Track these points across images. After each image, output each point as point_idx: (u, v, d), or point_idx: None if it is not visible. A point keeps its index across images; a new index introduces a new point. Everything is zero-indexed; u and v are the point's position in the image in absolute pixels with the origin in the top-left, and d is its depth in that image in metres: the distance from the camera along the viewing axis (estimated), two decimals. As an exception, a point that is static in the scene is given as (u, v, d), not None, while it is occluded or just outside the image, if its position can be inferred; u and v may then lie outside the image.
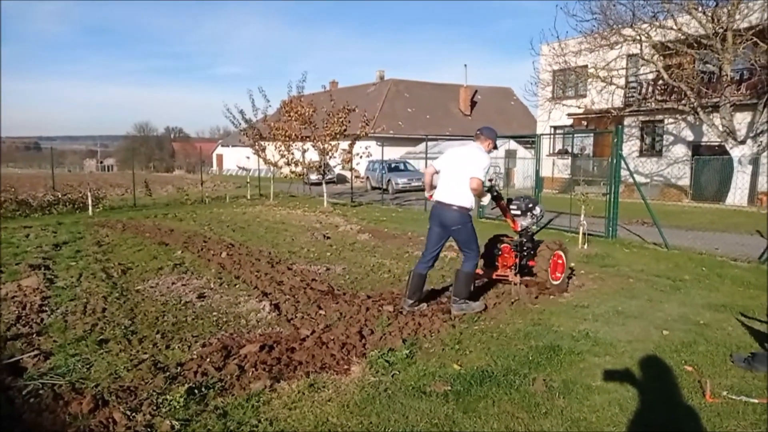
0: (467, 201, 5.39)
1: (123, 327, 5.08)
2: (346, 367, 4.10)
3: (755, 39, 16.58)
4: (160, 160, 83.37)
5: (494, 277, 6.35)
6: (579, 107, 24.67)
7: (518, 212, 6.43)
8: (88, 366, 4.19)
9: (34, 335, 4.89)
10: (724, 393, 3.58)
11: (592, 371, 3.97)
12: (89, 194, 16.86)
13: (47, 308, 5.74)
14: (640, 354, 4.28)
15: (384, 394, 3.61)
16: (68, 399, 3.62)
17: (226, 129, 70.34)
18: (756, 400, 3.46)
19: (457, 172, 5.38)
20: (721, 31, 17.19)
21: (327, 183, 19.37)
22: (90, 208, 16.40)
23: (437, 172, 5.64)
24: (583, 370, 3.99)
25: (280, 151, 18.17)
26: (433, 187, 5.76)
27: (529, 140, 28.96)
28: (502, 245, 6.49)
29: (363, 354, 4.33)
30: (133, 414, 3.41)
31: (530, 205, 6.42)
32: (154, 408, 3.47)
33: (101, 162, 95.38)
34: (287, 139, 17.85)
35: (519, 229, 6.40)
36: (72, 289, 6.61)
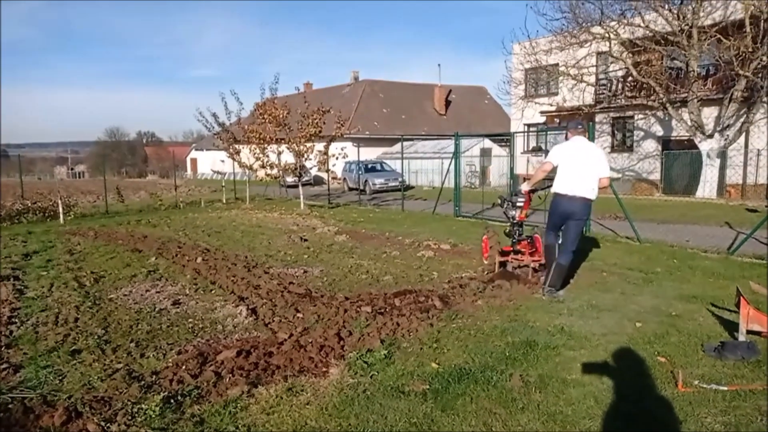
0: (595, 195, 6.02)
1: (96, 336, 4.99)
2: (324, 369, 4.08)
3: (719, 35, 16.99)
4: (132, 166, 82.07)
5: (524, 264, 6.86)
6: (551, 105, 24.98)
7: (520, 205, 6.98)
8: (60, 377, 4.11)
9: (2, 348, 4.77)
10: (696, 382, 3.66)
11: (567, 365, 4.02)
12: (60, 202, 16.52)
13: (17, 320, 5.62)
14: (614, 346, 4.35)
15: (363, 396, 3.60)
16: (39, 412, 3.54)
17: (200, 132, 69.69)
18: (726, 388, 3.55)
19: (591, 168, 5.92)
20: (686, 28, 17.58)
21: (303, 185, 19.28)
22: (61, 216, 16.06)
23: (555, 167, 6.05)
24: (559, 364, 4.04)
25: (254, 153, 18.03)
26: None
27: (504, 138, 29.25)
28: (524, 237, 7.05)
29: (341, 356, 4.32)
30: (108, 425, 3.35)
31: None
32: (130, 418, 3.42)
33: (72, 169, 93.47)
34: (262, 141, 17.72)
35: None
36: (43, 299, 6.47)
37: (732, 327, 4.59)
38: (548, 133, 23.99)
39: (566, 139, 6.34)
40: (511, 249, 7.02)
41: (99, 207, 20.17)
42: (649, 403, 3.41)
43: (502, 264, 6.99)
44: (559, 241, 6.23)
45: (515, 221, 7.01)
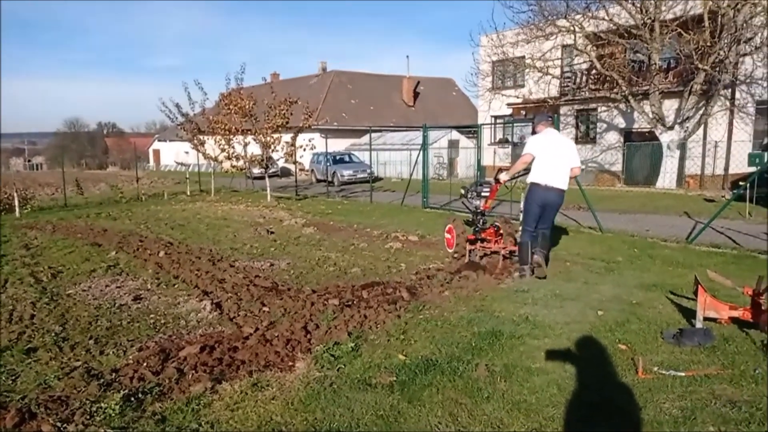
0: (567, 186, 6.42)
1: (53, 334, 4.83)
2: (290, 363, 4.04)
3: (679, 30, 17.42)
4: (92, 157, 79.68)
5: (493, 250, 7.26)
6: (518, 97, 25.26)
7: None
8: (13, 377, 3.96)
9: (-48, 348, 4.57)
10: (655, 368, 3.75)
11: (532, 354, 4.07)
12: (15, 195, 15.92)
13: (-32, 318, 5.38)
14: (576, 335, 4.43)
15: (329, 389, 3.57)
16: (-9, 414, 3.40)
17: (163, 123, 68.17)
18: (683, 374, 3.65)
19: (565, 159, 6.28)
20: (649, 21, 17.96)
21: (270, 177, 19.06)
22: (17, 209, 15.49)
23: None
24: (524, 353, 4.09)
25: (220, 145, 17.73)
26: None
27: (471, 130, 29.46)
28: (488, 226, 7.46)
29: (308, 349, 4.28)
30: (65, 425, 3.25)
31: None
32: (88, 417, 3.32)
33: (29, 160, 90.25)
34: (227, 132, 17.43)
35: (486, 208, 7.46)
36: (-4, 296, 6.22)
37: (690, 314, 4.72)
38: (515, 125, 24.28)
39: (534, 131, 6.60)
40: (491, 236, 7.31)
41: (57, 200, 19.53)
42: (610, 391, 3.48)
43: (471, 252, 7.22)
44: (535, 239, 6.46)
45: (479, 210, 7.35)
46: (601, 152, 22.94)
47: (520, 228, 6.61)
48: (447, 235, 7.96)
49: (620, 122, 22.52)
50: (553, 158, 6.24)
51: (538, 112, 7.30)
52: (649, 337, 4.36)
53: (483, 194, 7.34)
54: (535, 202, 6.34)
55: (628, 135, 22.14)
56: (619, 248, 8.14)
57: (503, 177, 6.85)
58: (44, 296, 6.13)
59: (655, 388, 3.48)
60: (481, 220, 7.42)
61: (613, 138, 22.75)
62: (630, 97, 19.34)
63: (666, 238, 8.88)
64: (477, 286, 6.07)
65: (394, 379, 3.68)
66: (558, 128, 10.65)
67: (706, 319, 4.45)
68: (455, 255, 7.52)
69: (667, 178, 19.18)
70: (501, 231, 7.38)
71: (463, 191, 7.81)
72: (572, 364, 3.86)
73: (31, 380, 3.89)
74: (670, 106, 19.61)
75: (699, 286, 4.52)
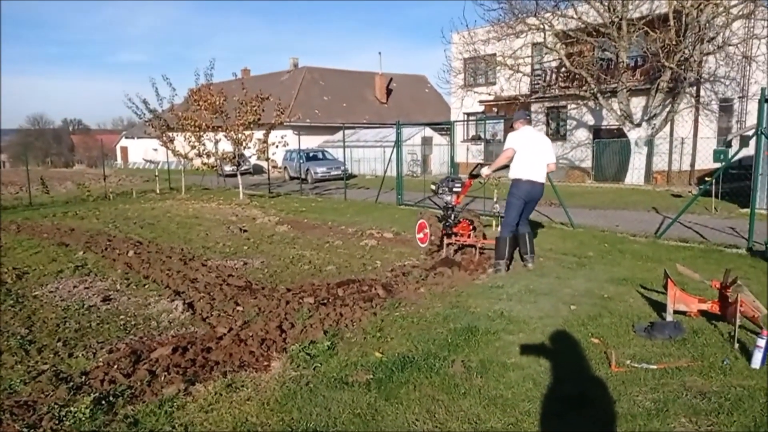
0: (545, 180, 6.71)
1: (19, 337, 4.69)
2: (266, 363, 3.99)
3: (646, 28, 17.79)
4: (58, 155, 77.54)
5: (464, 243, 7.65)
6: (489, 94, 25.46)
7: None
8: (-24, 383, 3.82)
9: None
10: (628, 362, 3.82)
11: (507, 349, 4.11)
12: (-24, 194, 15.38)
13: (-73, 322, 5.17)
14: (550, 329, 4.48)
15: (305, 388, 3.54)
16: (-48, 422, 3.27)
17: (130, 120, 66.78)
18: (655, 367, 3.72)
19: (542, 155, 6.54)
20: (616, 20, 18.30)
21: (242, 174, 18.83)
22: (-23, 209, 14.96)
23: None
24: (499, 349, 4.12)
25: (190, 142, 17.42)
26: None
27: (444, 127, 29.60)
28: (460, 220, 7.76)
29: (283, 349, 4.24)
30: (32, 431, 3.14)
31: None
32: (57, 422, 3.23)
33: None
34: (197, 129, 17.13)
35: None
36: (-43, 299, 6.00)
37: (660, 308, 4.82)
38: (487, 122, 24.48)
39: (512, 128, 6.82)
40: (454, 231, 7.59)
41: (22, 199, 18.93)
42: (585, 384, 3.53)
43: (449, 246, 7.51)
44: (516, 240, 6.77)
45: (451, 205, 7.66)
46: (571, 149, 23.31)
47: (500, 223, 6.83)
48: (418, 233, 8.23)
49: (590, 119, 22.90)
50: (533, 154, 6.48)
51: (515, 110, 7.62)
52: (621, 331, 4.44)
53: (455, 190, 7.60)
54: (520, 197, 6.52)
55: (597, 132, 22.54)
56: (590, 243, 8.27)
57: (485, 171, 7.03)
58: (9, 298, 5.94)
59: (628, 381, 3.55)
60: (453, 215, 7.68)
61: (582, 135, 23.14)
62: (599, 95, 19.69)
63: (635, 233, 9.06)
64: (452, 282, 6.10)
65: (371, 377, 3.67)
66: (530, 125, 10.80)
67: (676, 312, 4.56)
68: (430, 248, 7.76)
69: (635, 174, 19.60)
70: (474, 225, 7.73)
71: (434, 187, 8.00)
72: (547, 358, 3.90)
73: (-4, 386, 3.76)
74: (637, 104, 20.03)
75: (668, 279, 4.62)
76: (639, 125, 19.32)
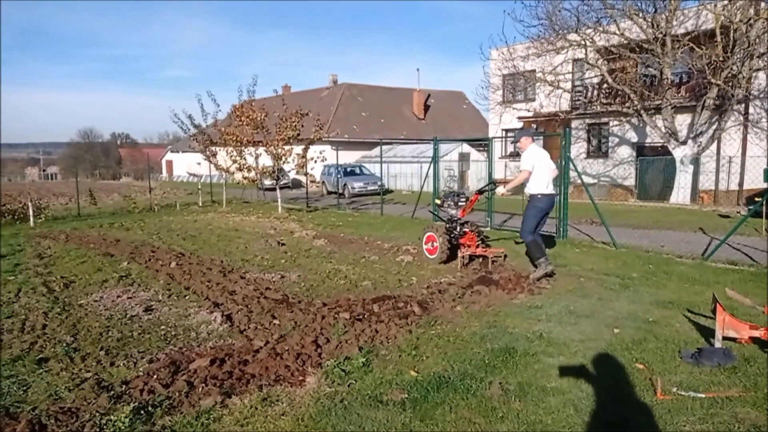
0: None
1: (64, 344, 4.83)
2: (301, 378, 3.99)
3: (691, 44, 17.35)
4: (106, 167, 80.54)
5: (474, 254, 8.05)
6: (528, 111, 25.23)
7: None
8: (24, 388, 3.95)
9: (-36, 357, 4.57)
10: (674, 389, 3.66)
11: (546, 372, 4.00)
12: (30, 204, 16.08)
13: (-20, 327, 5.39)
14: (592, 353, 4.35)
15: (340, 405, 3.52)
16: (1, 425, 3.38)
17: (176, 134, 68.77)
18: (703, 395, 3.56)
19: (550, 169, 7.29)
20: (660, 36, 17.91)
21: (281, 188, 19.11)
22: (31, 218, 15.63)
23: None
24: (538, 372, 4.01)
25: (231, 156, 17.82)
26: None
27: (482, 143, 29.42)
28: (464, 232, 8.19)
29: (318, 364, 4.24)
30: (74, 438, 3.22)
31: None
32: (98, 430, 3.31)
33: (44, 170, 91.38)
34: (239, 144, 17.52)
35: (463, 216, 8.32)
36: (9, 305, 6.25)
37: (708, 333, 4.63)
38: (526, 138, 24.14)
39: (517, 143, 7.49)
40: (470, 242, 8.06)
41: (71, 209, 19.69)
42: (628, 412, 3.40)
43: (462, 256, 7.94)
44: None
45: (456, 219, 8.24)
46: (613, 167, 22.81)
47: (521, 234, 7.34)
48: (426, 245, 8.50)
49: (632, 136, 22.39)
50: (544, 170, 7.16)
51: (524, 129, 8.10)
52: (666, 357, 4.27)
53: (460, 204, 8.25)
54: (540, 208, 7.17)
55: (640, 149, 22.00)
56: (634, 264, 8.03)
57: (501, 190, 7.72)
58: (56, 306, 6.14)
59: (675, 409, 3.40)
60: (458, 228, 8.22)
61: (625, 152, 22.62)
62: (642, 112, 19.25)
63: (681, 254, 8.75)
64: (489, 301, 6.00)
65: (406, 396, 3.63)
66: (568, 142, 10.66)
67: (725, 338, 4.36)
68: (440, 258, 8.15)
69: (680, 194, 19.01)
70: (482, 236, 8.35)
71: (439, 201, 8.67)
72: (589, 383, 3.78)
73: (42, 391, 3.87)
74: (682, 121, 19.48)
75: (717, 304, 4.43)
76: (684, 143, 18.77)
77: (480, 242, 8.21)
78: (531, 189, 7.14)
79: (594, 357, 4.27)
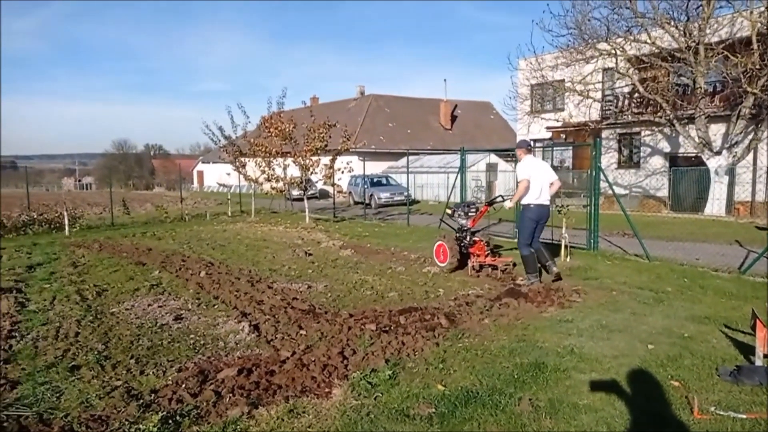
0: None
1: (96, 352, 4.91)
2: (327, 390, 3.98)
3: (726, 52, 16.95)
4: (139, 178, 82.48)
5: (483, 263, 8.28)
6: (557, 120, 24.95)
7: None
8: (58, 395, 4.02)
9: (1, 363, 4.69)
10: (712, 408, 3.53)
11: (578, 389, 3.90)
12: (65, 213, 16.52)
13: (17, 334, 5.54)
14: (626, 369, 4.22)
15: (366, 419, 3.49)
16: (34, 431, 3.45)
17: (207, 145, 69.87)
18: (744, 416, 3.42)
19: (546, 179, 7.52)
20: (693, 44, 17.54)
21: (309, 198, 19.24)
22: (66, 227, 16.06)
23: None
24: (570, 388, 3.91)
25: (260, 167, 18.05)
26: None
27: (510, 153, 29.17)
28: (474, 241, 8.46)
29: (345, 376, 4.21)
30: (104, 446, 3.26)
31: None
32: (127, 439, 3.33)
33: (80, 180, 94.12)
34: (268, 155, 17.74)
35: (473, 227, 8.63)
36: (44, 312, 6.40)
37: (747, 350, 4.46)
38: (554, 148, 23.94)
39: (516, 157, 7.87)
40: (480, 251, 8.30)
41: (105, 219, 20.16)
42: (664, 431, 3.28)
43: (473, 266, 8.23)
44: (541, 254, 7.61)
45: (467, 228, 8.49)
46: (645, 177, 22.35)
47: (518, 246, 7.67)
48: (437, 253, 8.71)
49: (665, 146, 21.93)
50: (540, 180, 7.41)
51: (520, 141, 8.25)
52: (703, 374, 4.13)
53: (470, 214, 8.54)
54: (532, 218, 7.46)
55: (673, 160, 21.52)
56: (668, 277, 7.82)
57: (508, 204, 7.90)
58: (89, 314, 6.27)
59: (713, 430, 3.27)
60: (468, 237, 8.46)
61: (657, 163, 22.16)
62: (675, 121, 18.84)
63: (717, 267, 8.48)
64: (518, 314, 5.90)
65: (433, 410, 3.58)
66: (599, 152, 10.49)
67: (766, 356, 4.19)
68: (450, 266, 8.36)
69: (715, 205, 18.49)
70: (491, 246, 8.57)
71: (449, 211, 8.98)
72: (622, 401, 3.67)
73: (74, 398, 3.94)
74: (717, 131, 19.01)
75: (757, 320, 4.26)
76: (719, 153, 18.29)
77: (489, 252, 8.47)
78: (523, 199, 7.47)
79: (627, 373, 4.15)
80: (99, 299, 7.07)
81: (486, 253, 8.37)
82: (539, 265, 7.58)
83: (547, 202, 7.58)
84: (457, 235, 8.64)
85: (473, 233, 8.61)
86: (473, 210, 8.62)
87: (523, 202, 7.49)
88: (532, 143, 8.01)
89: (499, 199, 8.71)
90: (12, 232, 15.70)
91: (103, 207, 27.01)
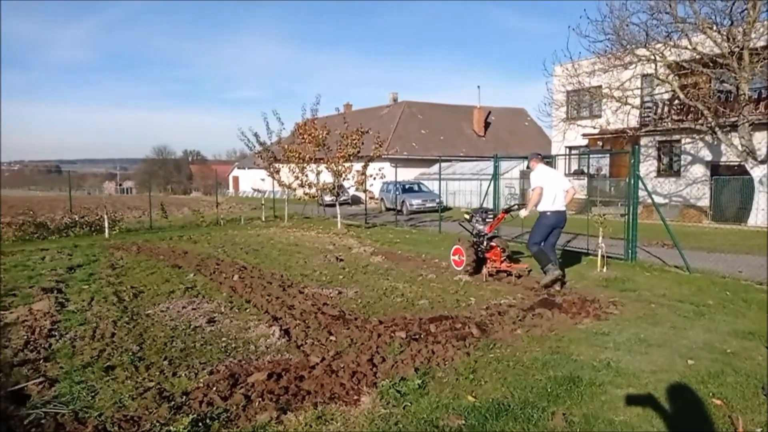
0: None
1: (131, 353, 5.00)
2: (356, 397, 3.95)
3: (772, 57, 16.35)
4: (178, 183, 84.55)
5: (498, 269, 8.40)
6: (594, 127, 24.47)
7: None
8: (93, 394, 4.10)
9: (41, 361, 4.83)
10: (758, 430, 3.36)
11: (614, 404, 3.77)
12: (106, 216, 17.00)
13: (56, 333, 5.69)
14: (664, 385, 4.07)
15: (395, 428, 3.45)
16: (70, 429, 3.54)
17: (242, 151, 71.15)
18: (792, 438, 3.25)
19: (561, 186, 7.83)
20: (737, 50, 16.98)
21: (341, 204, 19.34)
22: (106, 230, 16.52)
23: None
24: (605, 404, 3.79)
25: (294, 173, 18.23)
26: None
27: (544, 161, 28.75)
28: (491, 247, 8.58)
29: (374, 383, 4.18)
30: (135, 447, 3.30)
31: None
32: (157, 440, 3.36)
33: (120, 184, 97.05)
34: (301, 161, 17.92)
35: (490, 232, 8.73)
36: (82, 313, 6.57)
37: (795, 369, 4.25)
38: (591, 156, 23.50)
39: (528, 167, 8.23)
40: (496, 256, 8.44)
41: (144, 222, 20.68)
42: (705, 451, 3.14)
43: (489, 272, 8.35)
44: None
45: (483, 234, 8.63)
46: (686, 186, 21.71)
47: (528, 245, 7.98)
48: (454, 257, 8.97)
49: (706, 155, 21.27)
50: (553, 187, 7.68)
51: (531, 152, 8.45)
52: (748, 393, 3.94)
53: (487, 220, 8.72)
54: (548, 225, 7.73)
55: (715, 168, 20.85)
56: (709, 290, 7.54)
57: (523, 213, 8.18)
58: (125, 315, 6.40)
59: (759, 452, 3.11)
60: (485, 243, 8.58)
61: (699, 171, 21.50)
62: (717, 129, 18.25)
63: (762, 280, 8.13)
64: (552, 325, 5.77)
65: (463, 422, 3.51)
66: (638, 160, 10.22)
67: (816, 375, 3.98)
68: (466, 270, 8.51)
69: (759, 216, 17.80)
70: (506, 252, 8.57)
71: (467, 216, 9.11)
72: (661, 418, 3.53)
73: (108, 398, 4.01)
74: (761, 139, 18.33)
75: (807, 337, 4.06)
76: (764, 162, 17.63)
77: (506, 258, 8.54)
78: (539, 206, 7.73)
79: (666, 390, 3.99)
80: (135, 301, 7.22)
81: (502, 258, 8.46)
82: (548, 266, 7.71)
83: (563, 208, 7.82)
84: (475, 239, 8.81)
85: (490, 239, 8.70)
86: (491, 216, 8.87)
87: (540, 209, 7.73)
88: (540, 153, 8.47)
89: (516, 207, 9.00)
90: (54, 234, 16.24)
91: (142, 211, 27.70)
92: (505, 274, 8.36)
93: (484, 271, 8.40)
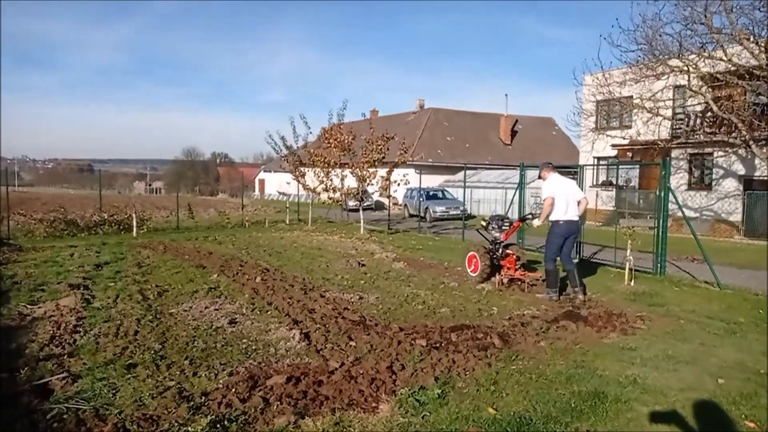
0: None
1: (153, 351, 5.04)
2: (374, 405, 3.91)
3: (812, 70, 15.87)
4: (205, 184, 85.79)
5: (514, 277, 8.39)
6: (624, 138, 24.05)
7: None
8: (114, 391, 4.14)
9: (65, 356, 4.91)
10: (793, 455, 3.22)
11: (640, 422, 3.65)
12: (134, 216, 17.30)
13: (81, 329, 5.78)
14: (693, 404, 3.93)
15: (413, 438, 3.39)
16: (90, 425, 3.56)
17: (269, 155, 71.80)
18: (830, 466, 3.10)
19: (573, 196, 7.79)
20: (775, 62, 16.52)
21: (364, 209, 19.34)
22: (134, 229, 16.80)
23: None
24: (631, 421, 3.67)
25: (319, 177, 18.31)
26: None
27: (572, 171, 28.36)
28: (506, 254, 8.64)
29: (393, 391, 4.13)
30: (154, 445, 3.31)
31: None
32: (176, 440, 3.37)
33: (150, 185, 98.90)
34: (326, 165, 17.99)
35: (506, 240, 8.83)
36: (107, 310, 6.66)
37: (834, 393, 4.06)
38: (620, 167, 23.12)
39: (540, 177, 8.06)
40: (510, 264, 8.47)
41: (171, 222, 20.98)
42: (736, 476, 3.02)
43: (501, 279, 8.37)
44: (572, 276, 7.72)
45: (499, 242, 8.72)
46: (717, 200, 21.17)
47: (544, 260, 7.87)
48: (469, 264, 9.04)
49: (740, 169, 20.72)
50: (565, 196, 7.63)
51: (542, 162, 8.47)
52: (782, 416, 3.78)
53: (503, 228, 8.75)
54: (560, 234, 7.68)
55: (748, 183, 20.29)
56: (741, 307, 7.30)
57: (536, 222, 8.07)
58: (149, 313, 6.47)
59: (794, 479, 2.97)
60: (500, 250, 8.66)
61: (731, 185, 20.95)
62: (751, 143, 17.75)
63: (798, 300, 7.85)
64: (577, 338, 5.64)
65: (484, 434, 3.44)
66: (668, 172, 9.99)
67: None
68: (481, 276, 8.62)
69: (795, 232, 17.25)
70: (521, 260, 8.57)
71: (484, 223, 9.13)
72: (689, 439, 3.41)
73: (128, 396, 4.04)
74: (799, 153, 17.77)
75: None
76: (801, 177, 17.09)
77: (520, 266, 8.56)
78: (551, 216, 7.70)
79: (695, 409, 3.86)
80: (159, 299, 7.30)
81: (516, 267, 8.47)
82: (574, 287, 7.70)
83: (576, 218, 7.79)
84: (490, 247, 8.88)
85: (505, 246, 8.77)
86: (507, 224, 8.92)
87: (552, 218, 7.69)
88: (551, 163, 8.33)
89: (530, 216, 9.05)
90: (84, 231, 16.59)
91: (169, 211, 28.10)
92: (519, 282, 8.35)
93: (498, 278, 8.43)
